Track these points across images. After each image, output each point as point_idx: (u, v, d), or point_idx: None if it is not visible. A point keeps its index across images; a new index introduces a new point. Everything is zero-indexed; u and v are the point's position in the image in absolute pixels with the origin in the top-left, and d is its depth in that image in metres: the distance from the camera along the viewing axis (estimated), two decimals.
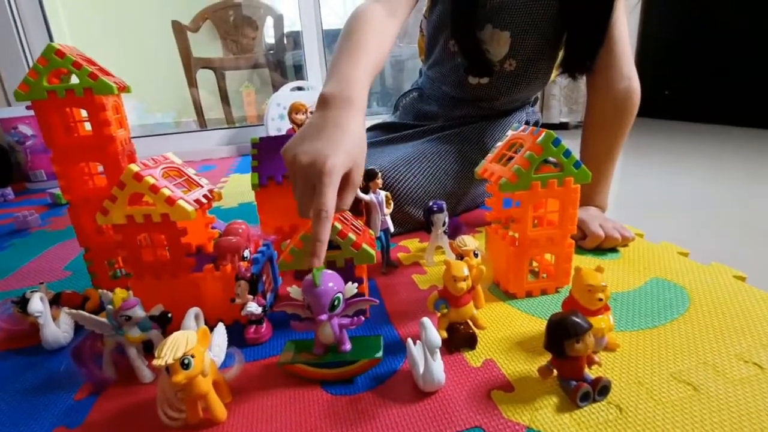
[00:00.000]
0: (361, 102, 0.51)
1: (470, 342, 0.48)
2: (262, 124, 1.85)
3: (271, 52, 2.87)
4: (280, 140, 0.68)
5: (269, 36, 2.98)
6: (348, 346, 0.45)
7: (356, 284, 0.43)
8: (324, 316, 0.42)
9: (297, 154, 0.45)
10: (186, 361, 0.36)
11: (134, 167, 0.49)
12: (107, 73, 0.62)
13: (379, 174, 0.64)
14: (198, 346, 0.37)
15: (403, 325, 0.54)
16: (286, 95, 1.76)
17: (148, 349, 0.49)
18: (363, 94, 0.52)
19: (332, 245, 0.53)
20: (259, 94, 3.10)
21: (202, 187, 0.57)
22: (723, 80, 1.81)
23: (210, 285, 0.54)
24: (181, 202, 0.50)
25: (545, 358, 0.46)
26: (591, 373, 0.41)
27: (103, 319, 0.45)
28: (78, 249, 0.87)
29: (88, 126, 0.62)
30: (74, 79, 0.59)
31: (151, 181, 0.49)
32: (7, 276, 0.78)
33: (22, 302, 0.57)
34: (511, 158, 0.56)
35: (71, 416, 0.43)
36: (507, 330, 0.51)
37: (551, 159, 0.53)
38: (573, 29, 0.79)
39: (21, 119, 1.38)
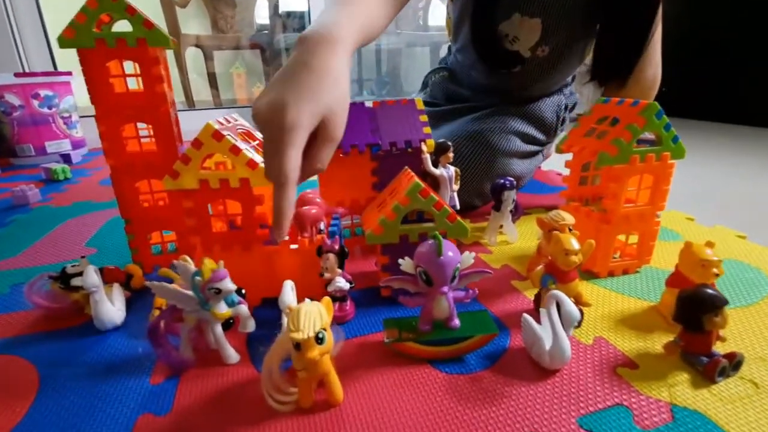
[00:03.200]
0: (344, 40, 0.42)
1: None
2: None
3: (265, 32, 2.76)
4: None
5: (261, 17, 2.87)
6: (457, 321, 0.42)
7: (473, 254, 0.40)
8: (446, 288, 0.38)
9: (259, 106, 0.37)
10: (321, 336, 0.32)
11: (213, 124, 0.44)
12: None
13: (451, 147, 0.61)
14: (328, 320, 0.33)
15: (493, 304, 0.51)
16: None
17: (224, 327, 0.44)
18: (348, 34, 0.44)
19: (425, 218, 0.50)
20: (249, 76, 2.98)
21: None
22: (722, 78, 1.87)
23: (286, 259, 0.50)
24: (263, 165, 0.45)
25: (655, 335, 0.45)
26: (716, 348, 0.40)
27: (189, 293, 0.40)
28: (97, 225, 0.80)
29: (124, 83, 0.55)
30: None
31: (232, 141, 0.44)
32: (19, 253, 0.70)
33: (63, 277, 0.51)
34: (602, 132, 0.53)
35: (155, 402, 0.38)
36: (604, 308, 0.49)
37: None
38: (609, 30, 0.76)
39: (8, 87, 1.25)
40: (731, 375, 0.39)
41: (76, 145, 1.44)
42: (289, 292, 0.40)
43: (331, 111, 0.38)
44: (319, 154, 0.38)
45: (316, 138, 0.38)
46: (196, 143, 0.44)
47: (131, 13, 0.50)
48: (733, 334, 0.44)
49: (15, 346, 0.46)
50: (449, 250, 0.38)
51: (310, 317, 0.31)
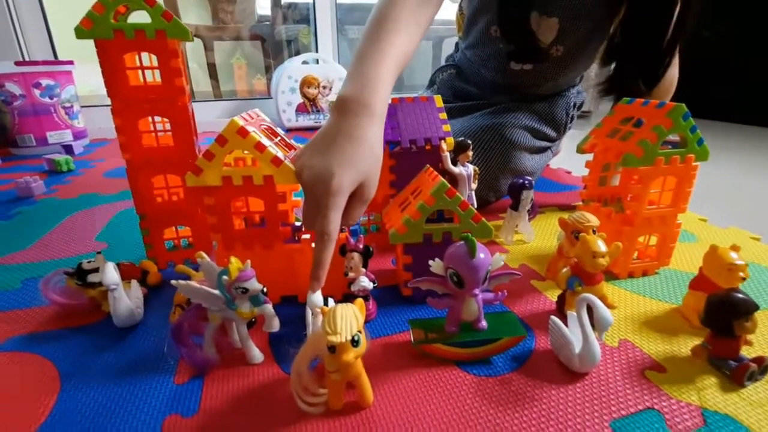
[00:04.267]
0: (380, 107, 0.47)
1: None
2: (271, 97, 1.75)
3: (266, 23, 2.73)
4: None
5: (262, 7, 2.83)
6: (484, 323, 0.41)
7: (504, 255, 0.40)
8: (478, 291, 0.38)
9: (304, 167, 0.42)
10: (356, 338, 0.31)
11: (239, 120, 0.43)
12: None
13: (471, 145, 0.60)
14: (362, 322, 0.33)
15: (515, 305, 0.51)
16: (297, 68, 1.66)
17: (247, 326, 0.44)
18: (384, 98, 0.48)
19: (445, 217, 0.49)
20: (250, 68, 2.95)
21: (295, 149, 0.51)
22: (731, 76, 1.86)
23: (307, 257, 0.49)
24: (288, 163, 0.44)
25: (680, 338, 0.45)
26: (743, 352, 0.40)
27: (216, 292, 0.39)
28: (106, 219, 0.79)
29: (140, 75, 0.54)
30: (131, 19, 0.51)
31: (257, 138, 0.43)
32: (28, 247, 0.69)
33: (79, 273, 0.50)
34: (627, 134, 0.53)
35: (181, 403, 0.37)
36: (626, 310, 0.49)
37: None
38: (634, 39, 0.73)
39: (8, 76, 1.22)
40: (759, 379, 0.39)
41: (78, 135, 1.41)
42: (317, 292, 0.40)
43: (367, 177, 0.43)
44: (352, 212, 0.43)
45: (352, 198, 0.42)
46: (221, 140, 0.43)
47: (151, 4, 0.49)
48: (756, 337, 0.45)
49: (32, 343, 0.45)
50: (481, 252, 0.38)
51: (347, 320, 0.31)
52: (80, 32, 0.48)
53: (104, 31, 0.48)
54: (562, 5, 0.76)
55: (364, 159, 0.43)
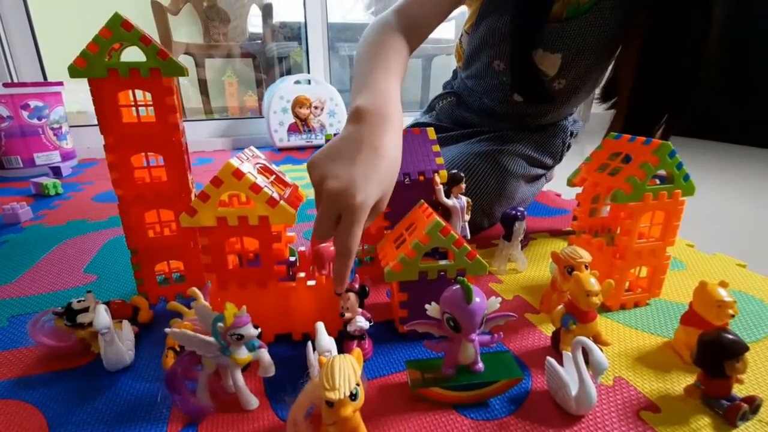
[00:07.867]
0: (398, 119, 0.48)
1: None
2: (262, 116, 1.75)
3: (257, 41, 2.74)
4: None
5: (254, 25, 2.85)
6: (481, 365, 0.41)
7: (499, 299, 0.40)
8: (474, 335, 0.38)
9: (327, 176, 0.41)
10: (355, 392, 0.31)
11: (235, 162, 0.43)
12: None
13: (464, 178, 0.61)
14: (359, 373, 0.32)
15: (510, 341, 0.51)
16: (289, 88, 1.67)
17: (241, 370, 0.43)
18: (399, 110, 0.49)
19: (439, 251, 0.50)
20: (241, 85, 2.96)
21: (290, 186, 0.51)
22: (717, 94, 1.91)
23: (301, 296, 0.49)
24: (283, 203, 0.45)
25: (673, 375, 0.45)
26: (735, 390, 0.41)
27: (210, 339, 0.39)
28: (95, 248, 0.78)
29: (134, 112, 0.54)
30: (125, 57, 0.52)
31: (252, 179, 0.43)
32: (14, 280, 0.67)
33: (69, 313, 0.49)
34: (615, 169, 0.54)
35: None
36: (620, 345, 0.50)
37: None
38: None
39: None
40: (750, 418, 0.39)
41: (66, 156, 1.40)
42: (325, 335, 0.39)
43: (385, 192, 0.43)
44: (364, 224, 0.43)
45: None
46: (216, 181, 0.43)
47: (146, 43, 0.49)
48: (747, 374, 0.45)
49: (19, 389, 0.44)
50: (477, 296, 0.38)
51: (345, 374, 0.31)
52: (74, 71, 0.48)
53: (98, 71, 0.48)
54: (566, 42, 0.77)
55: (387, 173, 0.44)
